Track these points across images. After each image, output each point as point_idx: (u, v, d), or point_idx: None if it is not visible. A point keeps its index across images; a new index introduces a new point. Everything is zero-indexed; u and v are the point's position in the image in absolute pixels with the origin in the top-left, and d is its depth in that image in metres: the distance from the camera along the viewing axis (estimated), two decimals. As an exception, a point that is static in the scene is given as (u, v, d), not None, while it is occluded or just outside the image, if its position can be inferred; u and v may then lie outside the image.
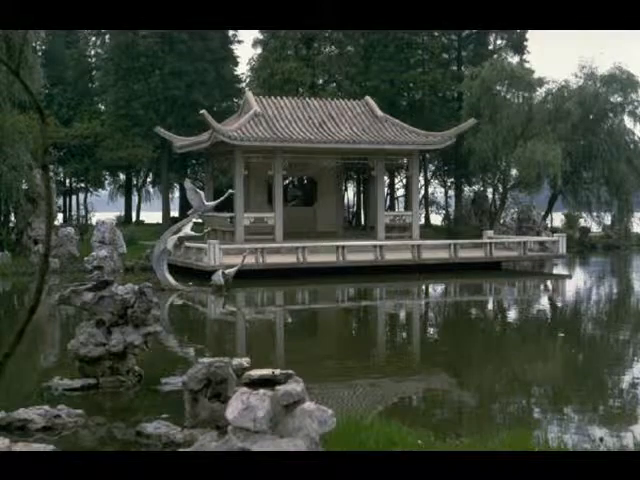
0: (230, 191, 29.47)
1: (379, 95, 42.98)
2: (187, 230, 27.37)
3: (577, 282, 32.68)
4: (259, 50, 48.84)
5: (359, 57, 47.50)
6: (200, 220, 35.27)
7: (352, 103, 39.04)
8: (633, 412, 11.50)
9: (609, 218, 50.43)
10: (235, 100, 48.80)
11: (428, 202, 52.36)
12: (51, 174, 45.69)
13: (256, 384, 5.88)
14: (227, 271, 26.44)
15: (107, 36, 50.00)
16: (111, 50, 47.24)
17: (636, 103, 46.94)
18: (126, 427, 9.67)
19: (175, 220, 39.78)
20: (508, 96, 44.49)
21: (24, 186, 34.69)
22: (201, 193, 27.07)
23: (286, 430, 5.46)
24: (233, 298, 25.69)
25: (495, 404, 12.28)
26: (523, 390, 13.24)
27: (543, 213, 46.85)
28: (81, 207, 54.47)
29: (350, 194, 52.53)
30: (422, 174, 47.81)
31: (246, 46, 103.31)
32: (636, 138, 47.19)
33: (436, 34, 48.07)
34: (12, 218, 37.11)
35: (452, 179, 52.59)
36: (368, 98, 39.64)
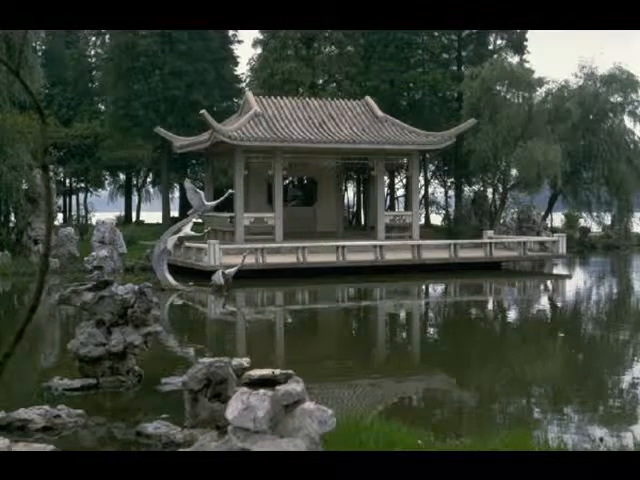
0: (230, 191, 29.46)
1: (379, 95, 42.98)
2: (187, 230, 27.36)
3: (577, 282, 32.67)
4: (259, 50, 48.82)
5: (359, 57, 47.48)
6: (200, 220, 35.29)
7: (352, 103, 39.03)
8: (633, 412, 11.49)
9: (609, 218, 50.41)
10: (235, 100, 48.79)
11: (428, 202, 52.37)
12: (51, 174, 45.67)
13: (256, 384, 5.89)
14: (227, 271, 26.41)
15: (107, 36, 50.09)
16: (111, 50, 47.24)
17: (636, 103, 46.96)
18: (126, 427, 9.66)
19: (175, 220, 39.77)
20: (508, 96, 44.46)
21: (24, 186, 34.63)
22: (201, 193, 27.07)
23: (286, 430, 5.46)
24: (233, 298, 25.69)
25: (495, 404, 12.28)
26: (523, 390, 13.22)
27: (543, 213, 46.81)
28: (81, 207, 54.59)
29: (350, 194, 52.66)
30: (422, 174, 47.80)
31: (246, 46, 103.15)
32: (636, 138, 47.19)
33: (436, 34, 48.08)
34: (12, 218, 37.05)
35: (452, 179, 52.61)
36: (368, 98, 39.62)
